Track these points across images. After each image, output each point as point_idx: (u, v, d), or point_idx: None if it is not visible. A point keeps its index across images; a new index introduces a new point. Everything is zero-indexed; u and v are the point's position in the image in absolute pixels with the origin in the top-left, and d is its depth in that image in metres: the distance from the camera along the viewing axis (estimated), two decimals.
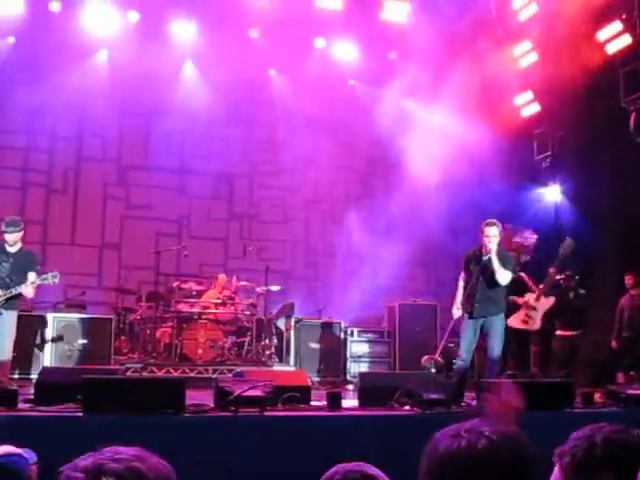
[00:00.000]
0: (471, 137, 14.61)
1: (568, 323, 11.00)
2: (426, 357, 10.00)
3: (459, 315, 8.54)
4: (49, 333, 10.91)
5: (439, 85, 14.27)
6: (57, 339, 10.90)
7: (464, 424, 1.73)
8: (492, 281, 8.31)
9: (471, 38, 13.71)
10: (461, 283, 8.68)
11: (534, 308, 10.39)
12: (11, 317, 8.24)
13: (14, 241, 8.38)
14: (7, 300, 8.15)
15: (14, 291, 8.16)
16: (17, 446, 3.10)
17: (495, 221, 8.53)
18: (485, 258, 8.32)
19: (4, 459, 3.04)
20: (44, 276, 8.36)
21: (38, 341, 10.74)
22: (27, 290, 8.26)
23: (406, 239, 15.18)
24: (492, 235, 8.30)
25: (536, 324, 10.35)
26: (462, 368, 8.33)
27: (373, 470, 2.16)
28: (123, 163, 14.29)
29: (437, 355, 9.77)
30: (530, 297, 10.48)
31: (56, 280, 8.42)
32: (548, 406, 6.78)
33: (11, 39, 13.59)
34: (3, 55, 13.46)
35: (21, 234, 8.47)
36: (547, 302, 10.51)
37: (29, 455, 3.13)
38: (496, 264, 8.20)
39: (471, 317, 8.37)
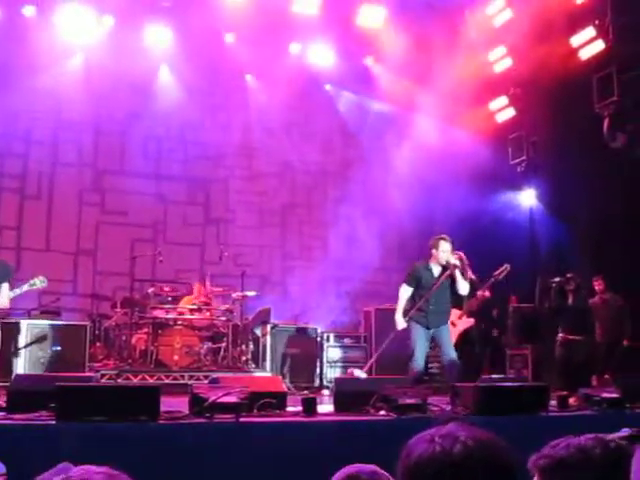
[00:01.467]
0: (446, 142, 14.69)
1: (570, 327, 10.98)
2: (349, 371, 10.23)
3: (404, 326, 8.97)
4: (23, 340, 10.81)
5: (414, 90, 14.33)
6: (31, 344, 10.80)
7: (439, 429, 1.73)
8: (447, 293, 9.04)
9: (446, 43, 13.76)
10: (407, 294, 9.01)
11: (453, 324, 10.65)
12: None
13: None
14: None
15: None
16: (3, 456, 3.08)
17: (447, 237, 9.06)
18: (437, 272, 8.98)
19: None
20: (32, 281, 8.37)
21: (12, 348, 10.63)
22: (2, 301, 8.25)
23: (382, 243, 15.23)
24: (448, 250, 8.87)
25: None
26: (420, 374, 8.88)
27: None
28: (98, 168, 14.21)
29: (366, 369, 9.89)
30: (454, 314, 10.64)
31: (44, 284, 8.47)
32: (523, 410, 6.81)
33: None
34: None
35: None
36: (466, 322, 11.13)
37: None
38: (459, 276, 8.83)
39: (426, 328, 8.91)
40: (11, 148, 13.68)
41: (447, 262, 8.86)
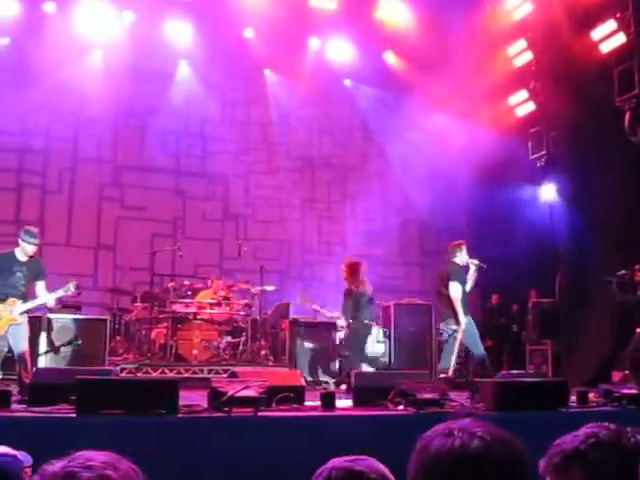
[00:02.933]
0: (465, 136, 14.65)
1: None
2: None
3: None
4: (45, 334, 10.88)
5: (433, 84, 14.28)
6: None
7: (456, 423, 1.72)
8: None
9: (465, 37, 13.70)
10: (460, 292, 9.63)
11: None
12: (26, 321, 8.38)
13: (33, 252, 8.45)
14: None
15: (39, 302, 8.30)
16: (13, 448, 3.10)
17: None
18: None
19: None
20: (67, 287, 8.45)
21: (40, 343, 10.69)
22: (51, 301, 8.41)
23: (401, 238, 15.23)
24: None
25: None
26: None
27: (368, 464, 2.09)
28: (118, 164, 14.28)
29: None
30: None
31: (77, 290, 8.59)
32: (542, 406, 6.78)
33: (6, 40, 13.57)
34: None
35: None
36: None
37: (24, 458, 3.12)
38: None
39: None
40: (32, 144, 13.78)
41: (470, 262, 9.95)
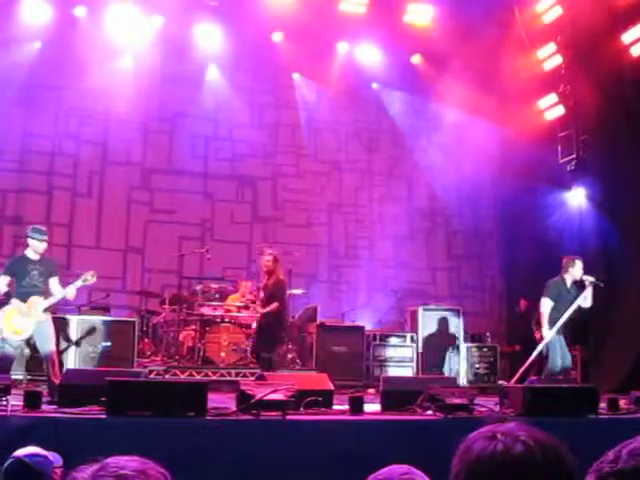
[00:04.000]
0: (493, 140, 14.58)
1: None
2: None
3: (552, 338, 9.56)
4: (73, 335, 10.99)
5: (461, 88, 14.23)
6: (81, 339, 10.98)
7: (500, 426, 1.71)
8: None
9: (494, 41, 13.63)
10: (550, 308, 9.65)
11: None
12: (51, 319, 8.50)
13: (44, 250, 8.57)
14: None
15: (60, 297, 8.39)
16: (43, 448, 3.15)
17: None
18: (570, 286, 9.75)
19: (28, 458, 3.09)
20: (84, 277, 8.54)
21: (63, 343, 10.79)
22: (71, 294, 8.49)
23: (428, 242, 15.20)
24: (581, 268, 9.78)
25: None
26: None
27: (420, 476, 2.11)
28: (147, 167, 14.35)
29: None
30: None
31: (94, 279, 8.64)
32: (572, 412, 6.73)
33: (37, 44, 13.69)
34: (30, 60, 13.56)
35: None
36: None
37: (55, 458, 3.17)
38: (591, 292, 9.61)
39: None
40: (62, 147, 13.89)
41: (583, 279, 9.71)
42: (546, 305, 9.63)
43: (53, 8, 13.62)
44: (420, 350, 12.54)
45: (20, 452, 3.12)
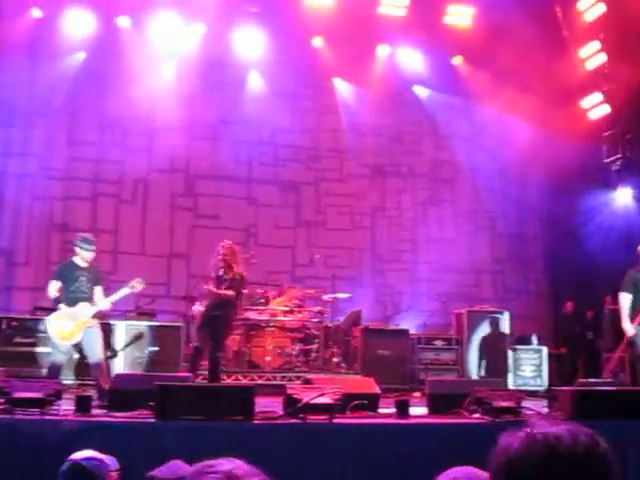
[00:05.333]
0: (537, 140, 14.46)
1: None
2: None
3: (634, 332, 9.12)
4: (120, 341, 11.14)
5: (504, 88, 14.15)
6: (128, 344, 11.13)
7: (539, 425, 1.71)
8: None
9: (536, 40, 13.53)
10: (628, 301, 9.25)
11: None
12: (98, 325, 8.62)
13: (92, 258, 8.71)
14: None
15: (108, 302, 8.54)
16: (101, 452, 3.21)
17: None
18: None
19: (85, 462, 3.14)
20: (132, 284, 8.65)
21: (111, 348, 10.94)
22: (106, 306, 8.61)
23: (471, 245, 15.11)
24: None
25: None
26: None
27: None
28: (191, 173, 14.47)
29: None
30: None
31: (142, 286, 8.75)
32: (622, 415, 6.62)
33: (82, 54, 13.92)
34: (75, 70, 13.81)
35: None
36: None
37: (111, 462, 3.23)
38: None
39: None
40: (108, 155, 14.07)
41: None
42: (623, 299, 9.35)
43: (96, 19, 13.87)
44: (465, 353, 12.48)
45: (77, 455, 3.18)
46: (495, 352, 12.51)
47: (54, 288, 8.56)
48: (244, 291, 10.49)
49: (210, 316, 9.25)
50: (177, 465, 2.65)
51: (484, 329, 12.68)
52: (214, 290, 9.34)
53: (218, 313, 9.24)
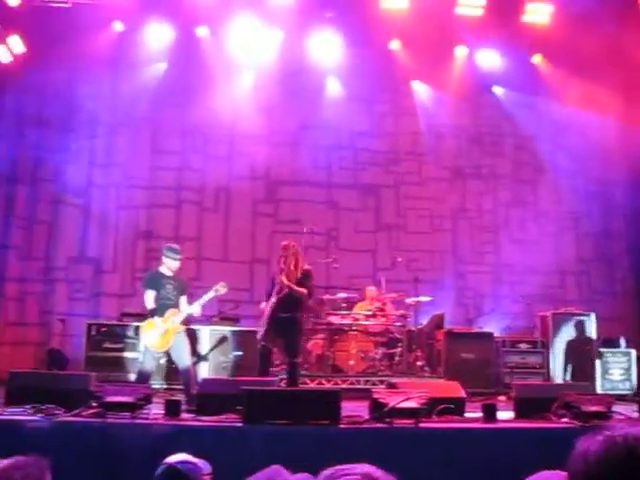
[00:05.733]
0: (622, 139, 14.16)
1: None
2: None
3: None
4: (205, 345, 11.33)
5: (585, 86, 13.88)
6: (214, 349, 11.31)
7: (618, 427, 1.68)
8: None
9: (617, 35, 13.22)
10: None
11: None
12: (185, 332, 8.87)
13: (177, 268, 8.92)
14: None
15: (188, 311, 8.71)
16: (194, 456, 3.28)
17: None
18: None
19: (179, 465, 3.22)
20: (215, 287, 8.81)
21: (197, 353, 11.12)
22: (197, 310, 8.78)
23: (556, 245, 14.84)
24: None
25: None
26: None
27: None
28: (271, 179, 14.61)
29: None
30: None
31: (226, 289, 8.88)
32: None
33: (163, 65, 14.23)
34: (156, 80, 14.12)
35: None
36: None
37: (204, 466, 3.29)
38: None
39: None
40: (190, 163, 14.33)
41: None
42: None
43: (176, 30, 14.12)
44: (551, 356, 12.26)
45: (172, 459, 3.25)
46: (582, 355, 12.26)
47: (151, 298, 8.78)
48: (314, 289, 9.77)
49: (278, 317, 8.87)
50: (277, 470, 2.68)
51: (570, 332, 12.44)
52: (286, 282, 8.84)
53: (286, 315, 8.89)
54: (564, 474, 2.15)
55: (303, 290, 8.95)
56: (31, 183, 13.76)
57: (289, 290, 8.84)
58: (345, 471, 1.68)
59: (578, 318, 12.57)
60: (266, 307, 9.02)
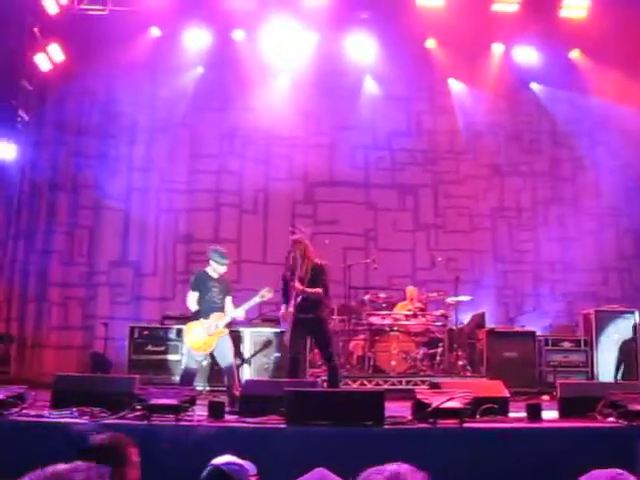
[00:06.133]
0: None
1: None
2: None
3: None
4: (247, 347, 11.39)
5: (624, 81, 13.72)
6: (258, 351, 11.38)
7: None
8: None
9: None
10: None
11: None
12: (228, 334, 8.88)
13: (223, 272, 8.96)
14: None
15: (232, 315, 8.76)
16: (240, 457, 3.30)
17: None
18: None
19: (225, 466, 3.23)
20: (261, 293, 8.83)
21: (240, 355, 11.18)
22: (241, 314, 8.82)
23: (597, 243, 14.67)
24: None
25: None
26: None
27: None
28: (309, 181, 14.63)
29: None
30: None
31: (271, 294, 8.89)
32: None
33: (200, 69, 14.36)
34: (194, 84, 14.25)
35: None
36: None
37: (250, 467, 3.30)
38: None
39: None
40: (228, 165, 14.42)
41: None
42: None
43: (212, 34, 14.23)
44: (595, 354, 12.12)
45: (218, 460, 3.26)
46: (628, 354, 12.11)
47: (194, 299, 8.84)
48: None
49: (300, 319, 8.68)
50: (322, 474, 2.68)
51: (615, 330, 12.28)
52: (299, 288, 8.64)
53: (310, 316, 8.69)
54: (619, 471, 2.14)
55: (317, 290, 8.73)
56: (72, 190, 13.95)
57: (304, 294, 8.69)
58: (376, 472, 1.70)
59: (622, 315, 12.40)
60: (286, 313, 8.85)
